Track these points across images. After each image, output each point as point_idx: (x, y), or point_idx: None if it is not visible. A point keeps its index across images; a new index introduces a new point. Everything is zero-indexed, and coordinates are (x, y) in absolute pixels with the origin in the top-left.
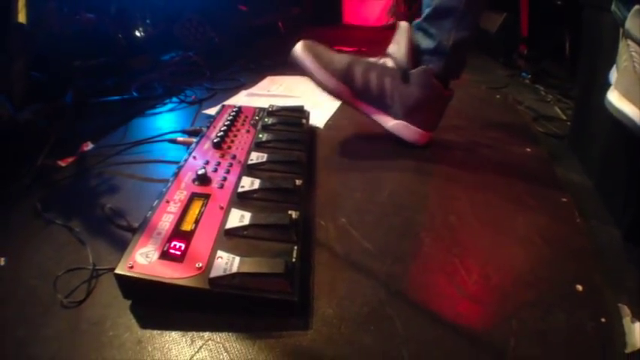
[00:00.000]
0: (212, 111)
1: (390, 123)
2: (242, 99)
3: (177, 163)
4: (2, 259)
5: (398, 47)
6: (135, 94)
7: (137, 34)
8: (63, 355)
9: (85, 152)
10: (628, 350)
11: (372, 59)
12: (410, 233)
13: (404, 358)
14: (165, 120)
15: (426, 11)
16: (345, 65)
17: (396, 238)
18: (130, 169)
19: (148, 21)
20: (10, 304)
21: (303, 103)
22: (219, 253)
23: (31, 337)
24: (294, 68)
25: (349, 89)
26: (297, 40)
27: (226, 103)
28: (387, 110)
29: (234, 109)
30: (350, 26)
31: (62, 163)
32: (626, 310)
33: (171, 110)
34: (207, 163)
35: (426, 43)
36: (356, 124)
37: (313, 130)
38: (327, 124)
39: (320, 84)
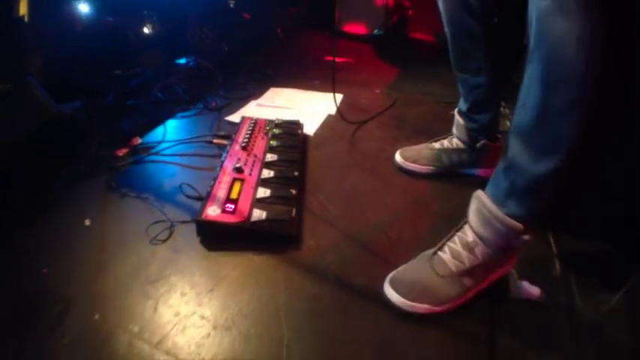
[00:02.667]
0: (232, 118)
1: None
2: (252, 109)
3: (211, 157)
4: (87, 220)
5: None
6: (159, 95)
7: (146, 30)
8: (162, 267)
9: (135, 145)
10: (509, 298)
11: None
12: (361, 206)
13: (346, 257)
14: (194, 123)
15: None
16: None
17: (353, 208)
18: (176, 160)
19: (154, 18)
20: (110, 248)
21: (299, 114)
22: (255, 210)
23: (141, 264)
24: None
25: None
26: (296, 44)
27: (242, 113)
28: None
29: (252, 121)
30: (343, 33)
31: (119, 153)
32: (514, 273)
33: (197, 115)
34: (239, 159)
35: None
36: (337, 134)
37: (306, 137)
38: (315, 133)
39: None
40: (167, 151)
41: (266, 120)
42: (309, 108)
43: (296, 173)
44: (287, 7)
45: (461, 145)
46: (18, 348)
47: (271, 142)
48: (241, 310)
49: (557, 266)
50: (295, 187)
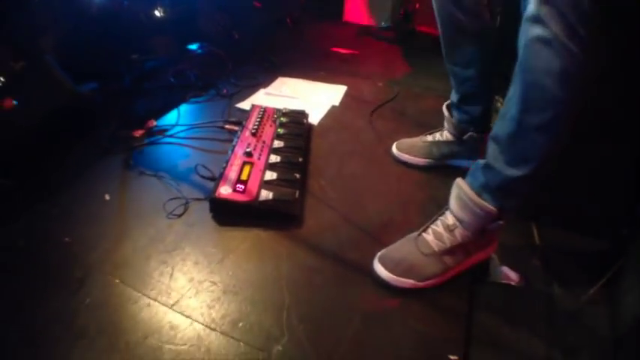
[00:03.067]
0: (242, 105)
1: None
2: (261, 97)
3: (222, 141)
4: (107, 195)
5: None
6: (172, 80)
7: (157, 13)
8: (177, 239)
9: (151, 127)
10: (489, 280)
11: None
12: (358, 191)
13: (342, 236)
14: (206, 108)
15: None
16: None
17: (351, 193)
18: (190, 142)
19: (166, 2)
20: (129, 220)
21: (304, 104)
22: (262, 190)
23: (159, 235)
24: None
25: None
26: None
27: (252, 101)
28: None
29: (261, 109)
30: (349, 24)
31: (136, 134)
32: (495, 257)
33: (208, 101)
34: (249, 144)
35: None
36: (339, 124)
37: (311, 125)
38: (320, 122)
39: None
40: (181, 134)
41: (274, 108)
42: (315, 98)
43: (300, 159)
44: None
45: (450, 137)
46: (43, 307)
47: (279, 129)
48: (248, 278)
49: (539, 255)
50: (299, 172)
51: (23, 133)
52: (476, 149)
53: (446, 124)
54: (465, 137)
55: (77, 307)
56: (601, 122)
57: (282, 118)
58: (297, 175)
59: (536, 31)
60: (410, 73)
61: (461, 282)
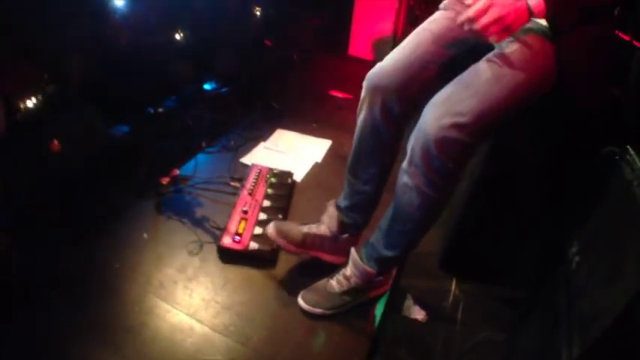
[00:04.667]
0: (245, 159)
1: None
2: (261, 151)
3: (228, 194)
4: (145, 234)
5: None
6: (190, 123)
7: (177, 37)
8: (196, 270)
9: (175, 176)
10: (401, 314)
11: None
12: None
13: (298, 277)
14: (218, 160)
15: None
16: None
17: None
18: (204, 193)
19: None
20: (162, 255)
21: (293, 159)
22: (251, 242)
23: (182, 267)
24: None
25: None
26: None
27: (254, 155)
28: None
29: (258, 170)
30: (353, 58)
31: (163, 181)
32: (410, 297)
33: (219, 152)
34: (246, 203)
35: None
36: (317, 182)
37: (294, 183)
38: (302, 179)
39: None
40: (198, 184)
41: (268, 168)
42: (302, 153)
43: (280, 217)
44: (305, 30)
45: (327, 233)
46: (104, 311)
47: (268, 189)
48: (238, 299)
49: (451, 299)
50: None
51: (68, 174)
52: (346, 250)
53: (326, 219)
54: (343, 237)
55: (129, 311)
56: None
57: (272, 179)
58: None
59: (404, 179)
60: None
61: (367, 310)
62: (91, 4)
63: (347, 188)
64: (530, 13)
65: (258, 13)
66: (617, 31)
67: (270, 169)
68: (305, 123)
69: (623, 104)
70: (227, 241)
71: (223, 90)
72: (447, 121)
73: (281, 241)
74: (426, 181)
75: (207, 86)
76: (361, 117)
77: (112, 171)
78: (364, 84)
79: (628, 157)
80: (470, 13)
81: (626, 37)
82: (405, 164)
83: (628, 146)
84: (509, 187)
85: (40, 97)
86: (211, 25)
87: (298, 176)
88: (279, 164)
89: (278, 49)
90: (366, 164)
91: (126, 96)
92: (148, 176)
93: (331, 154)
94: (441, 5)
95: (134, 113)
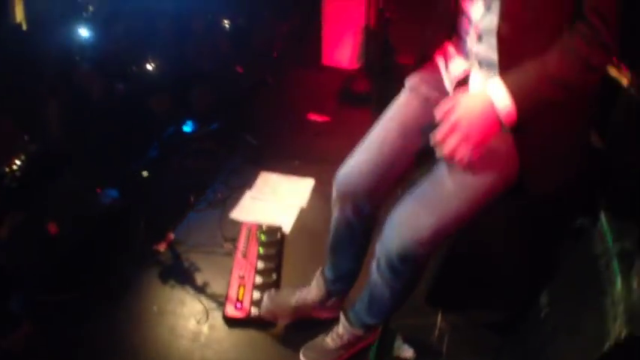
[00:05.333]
0: (235, 215)
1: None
2: (248, 202)
3: (222, 255)
4: (155, 306)
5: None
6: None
7: (149, 67)
8: (206, 334)
9: (171, 241)
10: (392, 354)
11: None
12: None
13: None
14: (208, 217)
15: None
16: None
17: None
18: (201, 255)
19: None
20: (171, 322)
21: (280, 208)
22: (252, 308)
23: (194, 333)
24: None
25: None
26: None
27: (241, 208)
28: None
29: (248, 228)
30: (327, 68)
31: (160, 248)
32: (399, 337)
33: (208, 206)
34: (241, 267)
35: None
36: (305, 230)
37: (284, 237)
38: (291, 230)
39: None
40: (193, 248)
41: (257, 225)
42: (288, 199)
43: (274, 277)
44: (276, 40)
45: (317, 298)
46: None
47: (260, 249)
48: (243, 352)
49: (437, 332)
50: (275, 288)
51: (67, 253)
52: (337, 306)
53: (314, 287)
54: (329, 303)
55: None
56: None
57: (262, 237)
58: (274, 276)
59: (374, 275)
60: None
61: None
62: (56, 61)
63: (329, 262)
64: (501, 124)
65: (227, 25)
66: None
67: (260, 227)
68: (286, 159)
69: (605, 158)
70: (230, 310)
71: (202, 131)
72: (408, 238)
73: (276, 316)
74: (393, 279)
75: (186, 128)
76: (334, 215)
77: (109, 240)
78: (334, 187)
79: (600, 228)
80: (437, 137)
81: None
82: (373, 265)
83: (602, 215)
84: (486, 242)
85: (23, 159)
86: (182, 52)
87: (287, 226)
88: (267, 215)
89: (250, 74)
90: (345, 250)
91: (109, 152)
92: (144, 242)
93: (315, 195)
94: (407, 84)
95: (120, 173)
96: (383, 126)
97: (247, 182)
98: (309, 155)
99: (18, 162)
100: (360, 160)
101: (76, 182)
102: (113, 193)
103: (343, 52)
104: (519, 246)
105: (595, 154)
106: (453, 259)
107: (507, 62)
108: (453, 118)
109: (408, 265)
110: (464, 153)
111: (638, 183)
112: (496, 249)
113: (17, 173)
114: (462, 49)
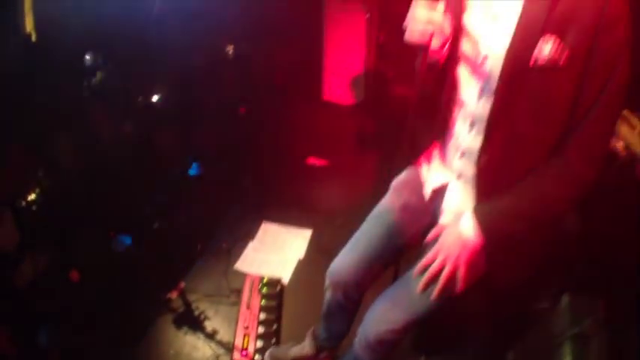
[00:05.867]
0: (239, 266)
1: None
2: (251, 254)
3: (230, 305)
4: (171, 350)
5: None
6: (180, 229)
7: (155, 98)
8: None
9: (182, 289)
10: None
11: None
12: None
13: None
14: (215, 266)
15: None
16: None
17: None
18: (209, 304)
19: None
20: None
21: (279, 260)
22: (256, 356)
23: None
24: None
25: None
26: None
27: (244, 258)
28: None
29: (251, 281)
30: (328, 104)
31: (172, 296)
32: None
33: (215, 255)
34: (246, 319)
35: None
36: (303, 282)
37: (283, 288)
38: (289, 280)
39: None
40: (203, 297)
41: (259, 278)
42: (287, 251)
43: (275, 327)
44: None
45: (310, 353)
46: None
47: (262, 301)
48: None
49: None
50: (275, 337)
51: (88, 297)
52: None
53: (308, 343)
54: (323, 355)
55: None
56: None
57: (264, 289)
58: (273, 341)
59: (356, 349)
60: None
61: None
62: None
63: (322, 325)
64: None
65: (230, 51)
66: None
67: (262, 279)
68: (285, 208)
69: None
70: (237, 357)
71: (206, 174)
72: (383, 329)
73: None
74: (371, 354)
75: (192, 171)
76: (327, 297)
77: (124, 285)
78: (327, 277)
79: (560, 311)
80: (425, 279)
81: None
82: (356, 341)
83: (564, 298)
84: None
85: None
86: (187, 82)
87: (286, 278)
88: (268, 267)
89: (252, 116)
90: (335, 319)
91: (119, 193)
92: (158, 292)
93: (312, 247)
94: (392, 185)
95: (134, 221)
96: (370, 223)
97: (250, 232)
98: (308, 203)
99: (33, 196)
100: (350, 256)
101: (91, 225)
102: (127, 240)
103: (344, 88)
104: (485, 322)
105: (560, 243)
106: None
107: (484, 188)
108: (440, 258)
109: (384, 346)
110: (448, 280)
111: (602, 270)
112: (466, 321)
113: (34, 207)
114: (444, 158)
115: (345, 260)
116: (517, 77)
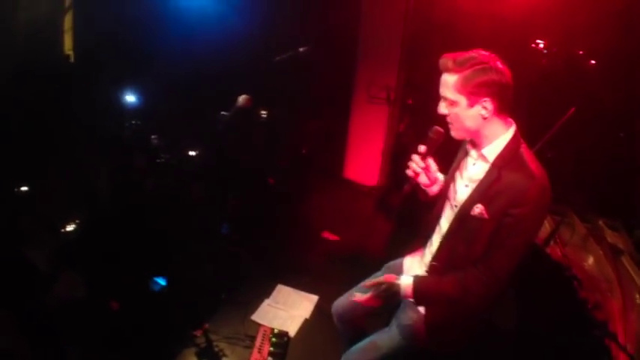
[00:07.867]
0: (255, 317)
1: None
2: (265, 307)
3: (245, 347)
4: None
5: None
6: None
7: (192, 153)
8: None
9: (207, 329)
10: None
11: None
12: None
13: None
14: (235, 313)
15: None
16: None
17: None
18: (228, 345)
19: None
20: None
21: (289, 316)
22: None
23: None
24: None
25: None
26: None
27: (260, 310)
28: None
29: (264, 330)
30: (347, 183)
31: (197, 334)
32: None
33: (235, 305)
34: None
35: None
36: (308, 338)
37: (289, 340)
38: (295, 334)
39: None
40: (223, 338)
41: (270, 329)
42: (296, 311)
43: None
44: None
45: None
46: None
47: (271, 348)
48: None
49: None
50: None
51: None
52: None
53: None
54: None
55: None
56: None
57: (273, 339)
58: None
59: None
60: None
61: None
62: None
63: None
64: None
65: (264, 115)
66: None
67: (272, 330)
68: (298, 274)
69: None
70: None
71: (233, 234)
72: None
73: None
74: None
75: (222, 230)
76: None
77: (156, 321)
78: (332, 312)
79: None
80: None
81: None
82: None
83: None
84: None
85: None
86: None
87: (292, 332)
88: (279, 321)
89: (279, 186)
90: (346, 344)
91: (159, 243)
92: (185, 330)
93: (317, 310)
94: (385, 265)
95: (170, 266)
96: (365, 284)
97: (266, 290)
98: (318, 272)
99: (73, 226)
100: (346, 297)
101: (131, 264)
102: (163, 281)
103: (364, 169)
104: None
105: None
106: None
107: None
108: (382, 283)
109: None
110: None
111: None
112: None
113: (72, 235)
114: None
115: (342, 299)
116: (462, 219)
